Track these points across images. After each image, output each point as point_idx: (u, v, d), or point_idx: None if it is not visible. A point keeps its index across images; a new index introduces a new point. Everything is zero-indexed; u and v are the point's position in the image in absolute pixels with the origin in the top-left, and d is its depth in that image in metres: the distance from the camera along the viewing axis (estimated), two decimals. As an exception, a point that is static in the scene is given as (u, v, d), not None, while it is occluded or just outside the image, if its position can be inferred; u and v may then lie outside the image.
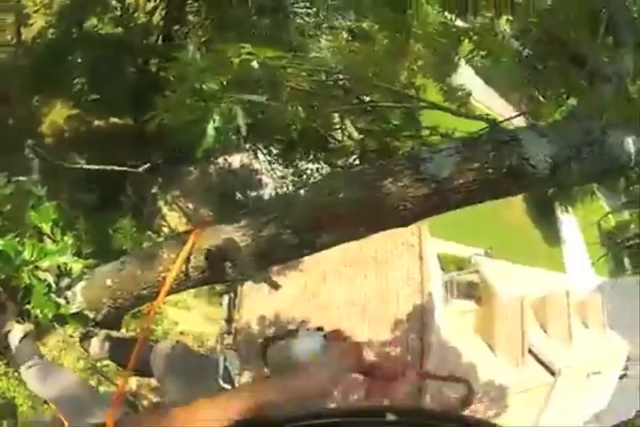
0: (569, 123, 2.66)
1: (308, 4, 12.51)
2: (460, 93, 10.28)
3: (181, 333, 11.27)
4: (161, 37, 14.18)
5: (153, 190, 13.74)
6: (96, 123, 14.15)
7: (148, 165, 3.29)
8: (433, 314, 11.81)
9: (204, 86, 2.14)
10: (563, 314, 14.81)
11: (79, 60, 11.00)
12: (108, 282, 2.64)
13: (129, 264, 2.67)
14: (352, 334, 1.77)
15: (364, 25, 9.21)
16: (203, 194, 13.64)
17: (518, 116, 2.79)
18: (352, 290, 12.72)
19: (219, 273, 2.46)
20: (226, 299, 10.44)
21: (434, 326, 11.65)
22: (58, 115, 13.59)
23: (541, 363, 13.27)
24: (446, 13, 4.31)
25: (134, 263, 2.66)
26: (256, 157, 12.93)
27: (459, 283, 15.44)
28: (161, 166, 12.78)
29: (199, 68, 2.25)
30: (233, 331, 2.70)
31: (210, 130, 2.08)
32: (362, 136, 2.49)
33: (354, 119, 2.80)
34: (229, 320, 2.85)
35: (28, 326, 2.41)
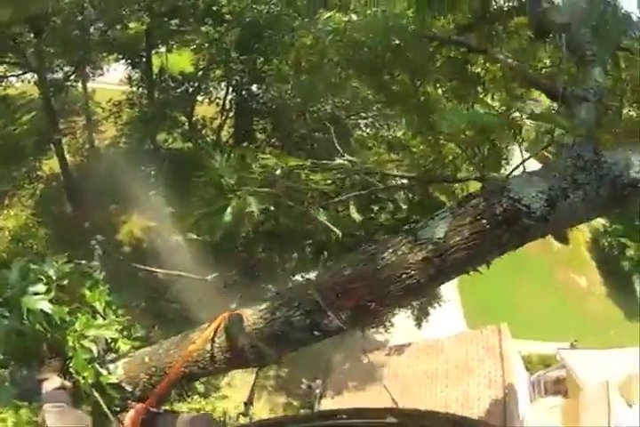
0: (558, 154, 2.59)
1: (363, 115, 13.24)
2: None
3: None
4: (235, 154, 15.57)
5: (232, 306, 13.90)
6: (174, 237, 14.97)
7: (216, 275, 3.46)
8: (517, 416, 11.40)
9: (222, 181, 2.56)
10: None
11: (152, 173, 11.90)
12: (146, 359, 2.86)
13: (165, 344, 2.91)
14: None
15: (399, 134, 9.60)
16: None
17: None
18: (433, 401, 12.56)
19: (240, 355, 2.59)
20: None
21: (518, 427, 11.01)
22: (135, 226, 14.54)
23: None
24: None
25: (170, 343, 2.89)
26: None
27: (546, 381, 14.84)
28: (238, 282, 13.20)
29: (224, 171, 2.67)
30: (250, 413, 2.74)
31: (227, 216, 2.45)
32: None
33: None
34: (249, 402, 2.91)
35: (66, 383, 2.59)
